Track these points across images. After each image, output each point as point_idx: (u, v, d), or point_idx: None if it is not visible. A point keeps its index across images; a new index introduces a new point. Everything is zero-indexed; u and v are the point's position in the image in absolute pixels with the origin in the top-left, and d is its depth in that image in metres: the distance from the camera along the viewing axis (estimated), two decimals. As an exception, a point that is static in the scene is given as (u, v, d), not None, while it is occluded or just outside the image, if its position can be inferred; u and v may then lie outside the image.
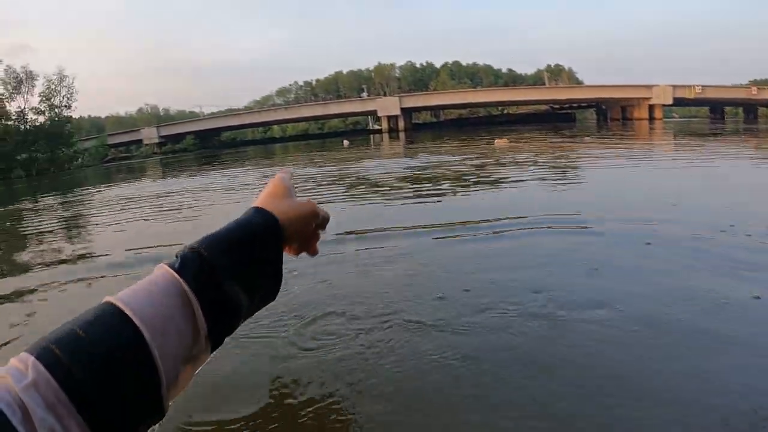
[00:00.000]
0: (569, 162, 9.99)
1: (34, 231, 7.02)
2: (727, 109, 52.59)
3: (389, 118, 52.12)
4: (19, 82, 39.62)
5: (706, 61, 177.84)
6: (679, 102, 50.18)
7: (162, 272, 0.64)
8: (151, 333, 0.59)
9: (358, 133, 61.94)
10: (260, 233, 0.73)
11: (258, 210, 0.76)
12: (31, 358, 0.53)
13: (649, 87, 46.26)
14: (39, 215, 8.81)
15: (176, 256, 0.66)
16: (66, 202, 10.73)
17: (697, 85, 45.54)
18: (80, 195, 12.19)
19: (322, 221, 0.94)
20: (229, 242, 0.69)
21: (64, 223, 7.63)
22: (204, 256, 0.66)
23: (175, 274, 0.64)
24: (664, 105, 46.65)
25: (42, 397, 0.51)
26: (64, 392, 0.52)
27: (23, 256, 5.50)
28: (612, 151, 11.26)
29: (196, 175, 14.14)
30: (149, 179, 14.92)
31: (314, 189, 8.07)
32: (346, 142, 26.47)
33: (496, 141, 15.01)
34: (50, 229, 6.98)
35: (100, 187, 13.75)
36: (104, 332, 0.57)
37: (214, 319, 0.65)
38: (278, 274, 0.76)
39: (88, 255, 5.03)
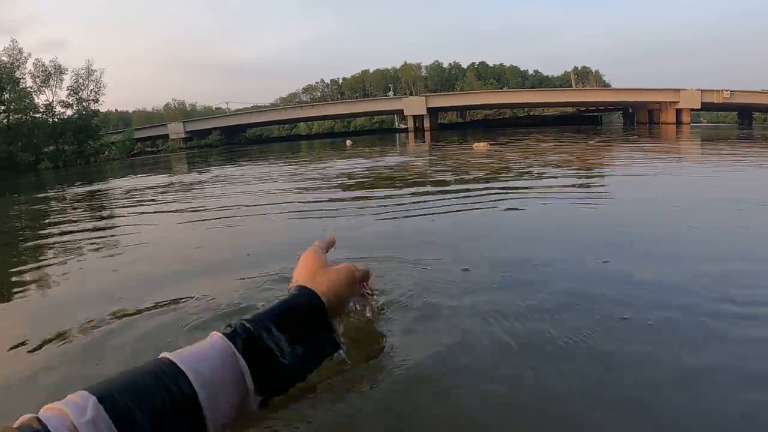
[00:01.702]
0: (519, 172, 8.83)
1: (60, 212, 7.18)
2: (756, 114, 51.97)
3: (415, 117, 52.14)
4: (48, 75, 40.33)
5: (735, 66, 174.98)
6: (707, 107, 49.18)
7: (216, 339, 0.74)
8: (203, 389, 0.65)
9: (383, 132, 62.19)
10: (303, 312, 0.85)
11: (301, 289, 0.89)
12: (93, 398, 0.57)
13: (676, 91, 45.28)
14: (64, 202, 8.98)
15: (229, 326, 0.76)
16: (92, 190, 10.99)
17: (726, 90, 44.79)
18: (105, 184, 12.47)
19: (363, 277, 1.12)
20: (274, 314, 0.81)
21: (89, 208, 7.78)
22: (254, 326, 0.77)
23: (227, 342, 0.73)
24: (692, 109, 46.25)
25: None
26: None
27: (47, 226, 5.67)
28: (602, 165, 9.45)
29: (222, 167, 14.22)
30: (176, 171, 15.07)
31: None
32: (349, 142, 26.20)
33: (474, 144, 14.45)
34: (74, 209, 7.13)
35: (125, 178, 13.96)
36: (162, 384, 0.63)
37: (263, 381, 0.74)
38: (329, 341, 0.87)
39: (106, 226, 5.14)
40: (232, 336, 0.74)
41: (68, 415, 0.54)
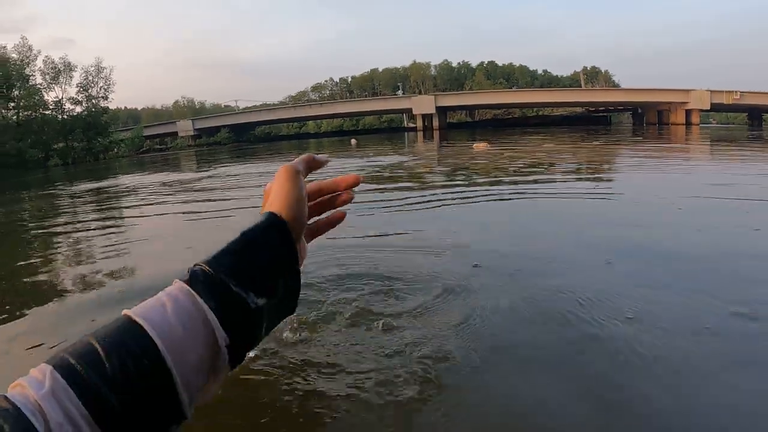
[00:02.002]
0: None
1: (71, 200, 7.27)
2: (766, 116, 51.54)
3: (424, 116, 52.06)
4: (58, 72, 40.52)
5: (736, 67, 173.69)
6: (716, 107, 48.90)
7: (176, 286, 0.68)
8: (164, 342, 0.63)
9: (393, 130, 62.13)
10: (260, 229, 0.77)
11: (261, 215, 0.78)
12: (49, 368, 0.55)
13: (686, 91, 45.04)
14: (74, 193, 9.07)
15: (188, 271, 0.71)
16: (99, 186, 11.05)
17: (736, 91, 44.53)
18: (113, 181, 12.53)
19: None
20: (232, 248, 0.73)
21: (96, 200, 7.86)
22: (211, 265, 0.70)
23: (185, 285, 0.68)
24: (701, 110, 46.02)
25: (59, 405, 0.54)
26: (80, 400, 0.55)
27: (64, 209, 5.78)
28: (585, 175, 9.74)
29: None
30: (184, 169, 15.08)
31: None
32: (353, 141, 26.11)
33: (474, 145, 14.45)
34: (80, 205, 7.20)
35: (136, 174, 13.99)
36: (119, 343, 0.60)
37: (233, 325, 0.68)
38: (291, 270, 0.78)
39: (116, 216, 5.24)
40: (190, 279, 0.68)
41: (30, 391, 0.53)
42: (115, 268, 2.80)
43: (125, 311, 0.63)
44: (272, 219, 0.76)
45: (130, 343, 0.60)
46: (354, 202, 1.04)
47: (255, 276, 0.71)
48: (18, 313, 2.00)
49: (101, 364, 0.57)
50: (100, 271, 2.83)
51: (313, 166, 0.98)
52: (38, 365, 0.55)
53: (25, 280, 2.74)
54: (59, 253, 3.48)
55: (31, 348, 1.60)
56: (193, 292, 0.66)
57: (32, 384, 0.53)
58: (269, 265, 0.74)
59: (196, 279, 0.68)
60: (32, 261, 3.27)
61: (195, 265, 0.70)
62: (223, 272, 0.69)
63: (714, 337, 1.57)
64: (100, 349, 0.59)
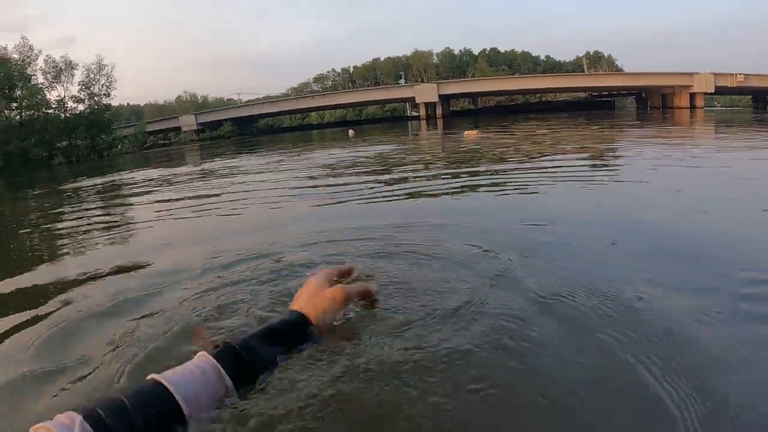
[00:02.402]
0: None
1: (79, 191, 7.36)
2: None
3: (427, 105, 51.97)
4: (59, 71, 40.45)
5: (737, 56, 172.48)
6: (721, 91, 48.55)
7: (205, 359, 0.78)
8: (190, 408, 0.69)
9: (396, 120, 62.06)
10: (290, 325, 0.93)
11: (293, 313, 0.96)
12: (79, 417, 0.59)
13: (690, 75, 44.55)
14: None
15: (217, 347, 0.81)
16: (103, 182, 11.17)
17: (740, 74, 44.34)
18: (117, 176, 12.64)
19: (362, 294, 1.17)
20: (261, 335, 0.87)
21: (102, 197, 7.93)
22: (241, 346, 0.82)
23: (212, 359, 0.78)
24: (705, 93, 45.80)
25: None
26: None
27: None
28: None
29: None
30: (187, 163, 15.15)
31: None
32: (351, 132, 26.15)
33: (465, 133, 14.40)
34: (83, 200, 7.27)
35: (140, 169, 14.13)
36: (147, 403, 0.66)
37: (242, 387, 0.80)
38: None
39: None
40: (222, 358, 0.78)
41: None
42: (117, 255, 2.92)
43: (154, 376, 0.72)
44: (301, 320, 0.95)
45: (155, 403, 0.67)
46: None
47: (273, 362, 0.85)
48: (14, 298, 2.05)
49: (129, 420, 0.62)
50: (101, 252, 3.01)
51: (345, 275, 1.23)
52: (66, 411, 0.60)
53: (25, 263, 2.87)
54: (63, 243, 3.61)
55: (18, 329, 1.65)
56: (219, 366, 0.77)
57: (60, 429, 0.57)
58: (285, 355, 0.89)
59: (226, 358, 0.79)
60: (35, 250, 3.41)
61: (225, 343, 0.82)
62: (246, 353, 0.81)
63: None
64: (129, 407, 0.64)
